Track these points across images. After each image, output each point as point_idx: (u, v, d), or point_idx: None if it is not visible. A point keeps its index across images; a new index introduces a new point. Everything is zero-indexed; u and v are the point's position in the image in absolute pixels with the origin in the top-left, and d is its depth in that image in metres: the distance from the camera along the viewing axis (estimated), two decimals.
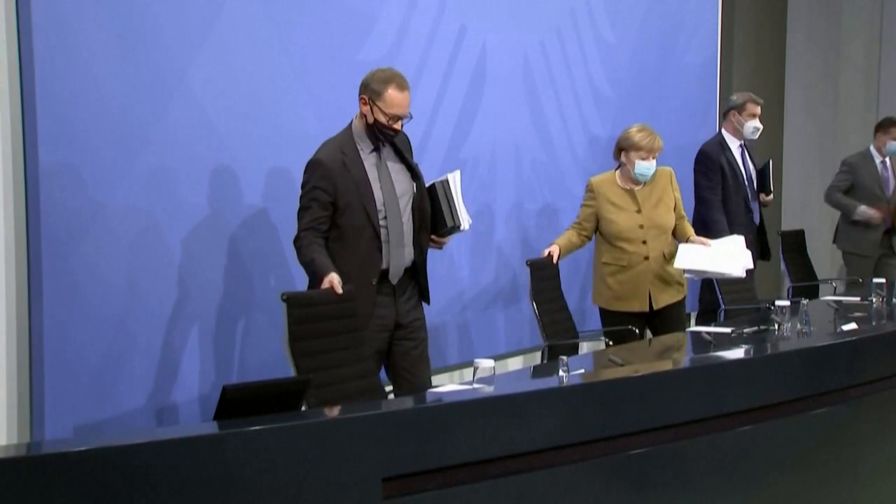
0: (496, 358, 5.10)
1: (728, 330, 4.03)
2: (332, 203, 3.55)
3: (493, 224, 5.38)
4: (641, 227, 4.47)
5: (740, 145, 5.58)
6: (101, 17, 3.47)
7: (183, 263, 3.78)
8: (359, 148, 3.63)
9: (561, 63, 5.78)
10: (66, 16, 3.36)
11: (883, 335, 3.73)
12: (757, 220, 5.63)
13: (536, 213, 5.67)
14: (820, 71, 8.39)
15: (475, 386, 2.86)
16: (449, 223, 3.74)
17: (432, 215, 3.75)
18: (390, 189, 3.64)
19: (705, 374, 3.10)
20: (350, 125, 3.67)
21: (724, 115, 5.63)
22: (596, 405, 2.68)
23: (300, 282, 3.82)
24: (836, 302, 4.76)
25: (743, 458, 3.02)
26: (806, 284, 6.05)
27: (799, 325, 3.76)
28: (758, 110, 5.54)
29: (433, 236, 3.79)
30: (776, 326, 3.77)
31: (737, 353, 3.57)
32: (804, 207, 8.30)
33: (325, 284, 3.40)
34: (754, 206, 5.61)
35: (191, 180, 3.81)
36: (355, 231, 3.57)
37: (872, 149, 6.53)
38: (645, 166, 4.44)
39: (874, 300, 4.57)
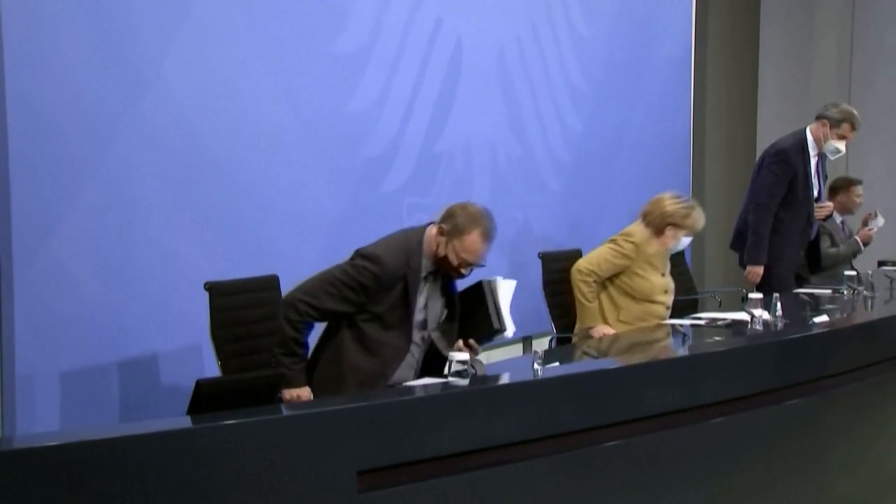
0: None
1: (702, 322, 4.07)
2: (360, 307, 3.23)
3: None
4: (666, 291, 4.28)
5: (818, 154, 5.12)
6: (72, 8, 3.43)
7: (156, 258, 3.75)
8: (423, 265, 3.28)
9: (536, 57, 5.79)
10: (37, 5, 3.33)
11: (853, 327, 3.77)
12: (813, 236, 5.29)
13: (512, 206, 5.68)
14: (793, 65, 8.45)
15: (450, 379, 2.87)
16: (495, 325, 3.36)
17: (471, 316, 3.39)
18: (434, 316, 3.36)
19: (679, 366, 3.12)
20: (423, 236, 3.31)
21: (817, 117, 5.08)
22: (570, 398, 2.69)
23: (275, 271, 3.80)
24: (807, 294, 4.80)
25: (717, 448, 3.04)
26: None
27: (771, 317, 3.79)
28: (853, 136, 5.05)
29: (471, 341, 3.32)
30: (750, 318, 3.79)
31: (710, 346, 3.60)
32: None
33: (290, 397, 3.12)
34: (815, 221, 5.24)
35: (164, 173, 3.78)
36: (385, 345, 3.26)
37: None
38: (686, 242, 4.27)
39: (845, 292, 4.61)
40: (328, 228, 4.43)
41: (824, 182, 5.29)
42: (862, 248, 5.86)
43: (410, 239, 3.32)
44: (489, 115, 5.47)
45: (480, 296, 3.41)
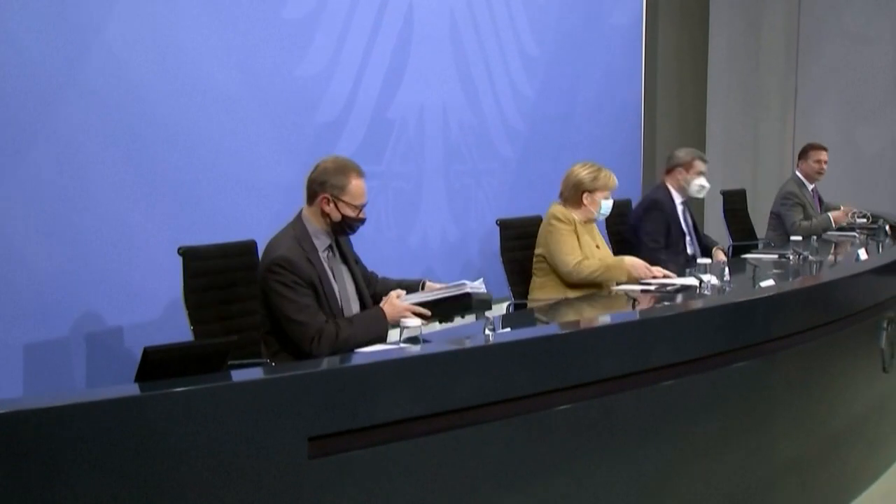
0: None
1: (652, 288, 4.11)
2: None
3: (420, 184, 5.38)
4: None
5: (683, 202, 5.28)
6: None
7: (104, 226, 3.69)
8: (316, 246, 3.31)
9: (488, 23, 5.77)
10: None
11: (797, 291, 3.83)
12: (693, 251, 5.35)
13: (464, 173, 5.68)
14: (742, 32, 8.53)
15: (401, 345, 2.87)
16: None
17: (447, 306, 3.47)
18: (345, 290, 3.39)
19: (629, 330, 3.15)
20: (300, 221, 3.32)
21: (669, 171, 5.28)
22: (521, 363, 2.70)
23: (227, 238, 3.76)
24: (755, 259, 4.87)
25: (666, 411, 3.08)
26: (746, 244, 6.09)
27: (719, 282, 3.85)
28: (704, 168, 5.28)
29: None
30: (699, 283, 3.84)
31: (660, 310, 3.65)
32: (725, 165, 8.51)
33: (401, 310, 3.24)
34: (692, 247, 5.32)
35: (112, 140, 3.72)
36: None
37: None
38: (608, 205, 4.35)
39: (791, 257, 4.69)
40: (280, 195, 4.40)
41: (693, 226, 5.37)
42: (833, 226, 5.97)
43: (295, 227, 3.32)
44: (441, 81, 5.45)
45: (464, 300, 3.47)
